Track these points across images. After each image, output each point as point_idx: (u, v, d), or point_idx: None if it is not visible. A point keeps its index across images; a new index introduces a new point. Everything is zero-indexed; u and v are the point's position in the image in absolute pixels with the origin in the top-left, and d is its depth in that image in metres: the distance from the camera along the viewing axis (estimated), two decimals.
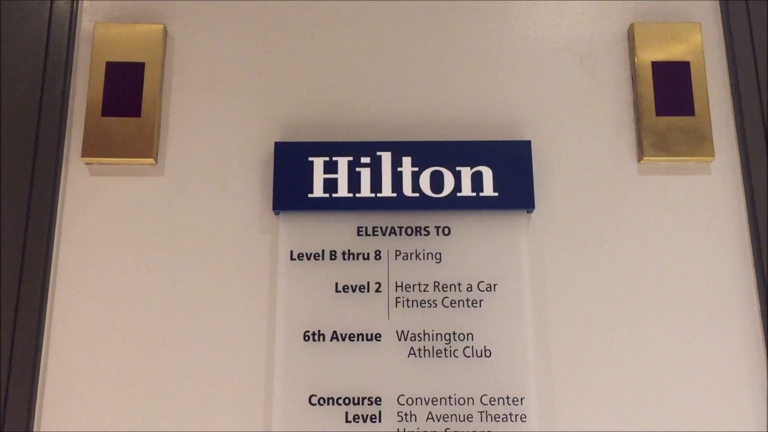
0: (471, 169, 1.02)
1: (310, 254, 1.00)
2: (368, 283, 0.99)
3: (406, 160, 1.02)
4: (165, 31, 1.09)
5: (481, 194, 1.01)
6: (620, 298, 1.01)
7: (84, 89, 1.07)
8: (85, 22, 1.10)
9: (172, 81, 1.09)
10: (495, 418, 0.95)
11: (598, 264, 1.02)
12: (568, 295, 1.01)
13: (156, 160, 1.05)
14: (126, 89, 1.06)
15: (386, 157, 1.02)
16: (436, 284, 0.99)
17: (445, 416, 0.95)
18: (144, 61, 1.07)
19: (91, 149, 1.04)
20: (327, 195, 1.01)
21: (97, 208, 1.04)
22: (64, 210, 1.03)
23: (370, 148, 1.03)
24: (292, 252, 1.00)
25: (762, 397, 0.98)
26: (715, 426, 0.97)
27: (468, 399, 0.95)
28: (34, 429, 0.96)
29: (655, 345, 0.99)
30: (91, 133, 1.04)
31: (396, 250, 1.01)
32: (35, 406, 0.97)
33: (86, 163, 1.05)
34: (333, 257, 1.00)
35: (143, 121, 1.05)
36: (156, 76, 1.07)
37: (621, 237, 1.03)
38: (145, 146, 1.04)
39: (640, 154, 1.05)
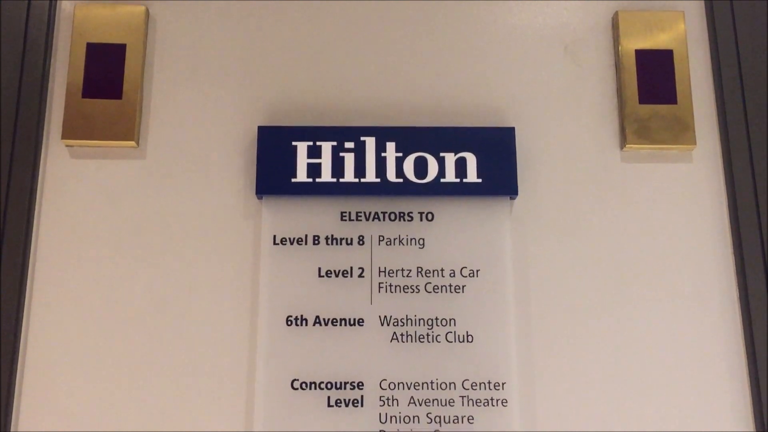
0: (455, 155, 1.02)
1: (294, 239, 1.00)
2: (351, 268, 0.99)
3: (390, 146, 1.02)
4: (147, 13, 1.08)
5: (464, 180, 1.01)
6: (602, 285, 1.02)
7: (64, 70, 1.05)
8: (66, 3, 1.09)
9: (154, 63, 1.07)
10: (476, 402, 0.95)
11: (580, 250, 1.03)
12: (550, 281, 1.02)
13: (137, 143, 1.04)
14: (107, 71, 1.04)
15: (370, 143, 1.02)
16: (419, 270, 0.99)
17: (427, 401, 0.95)
18: (125, 42, 1.05)
19: (71, 131, 1.03)
20: (310, 180, 1.00)
21: (77, 191, 1.03)
22: (43, 192, 1.02)
23: (354, 133, 1.02)
24: (275, 236, 1.00)
25: (740, 385, 0.99)
26: (695, 411, 0.98)
27: (450, 384, 0.96)
28: (12, 429, 0.94)
29: (636, 331, 1.00)
30: (71, 115, 1.03)
31: (379, 236, 1.01)
32: (13, 401, 0.95)
33: (66, 146, 1.04)
34: (316, 242, 1.00)
35: (124, 104, 1.04)
36: (137, 58, 1.05)
37: (603, 224, 1.04)
38: (126, 129, 1.03)
39: (623, 141, 1.06)
